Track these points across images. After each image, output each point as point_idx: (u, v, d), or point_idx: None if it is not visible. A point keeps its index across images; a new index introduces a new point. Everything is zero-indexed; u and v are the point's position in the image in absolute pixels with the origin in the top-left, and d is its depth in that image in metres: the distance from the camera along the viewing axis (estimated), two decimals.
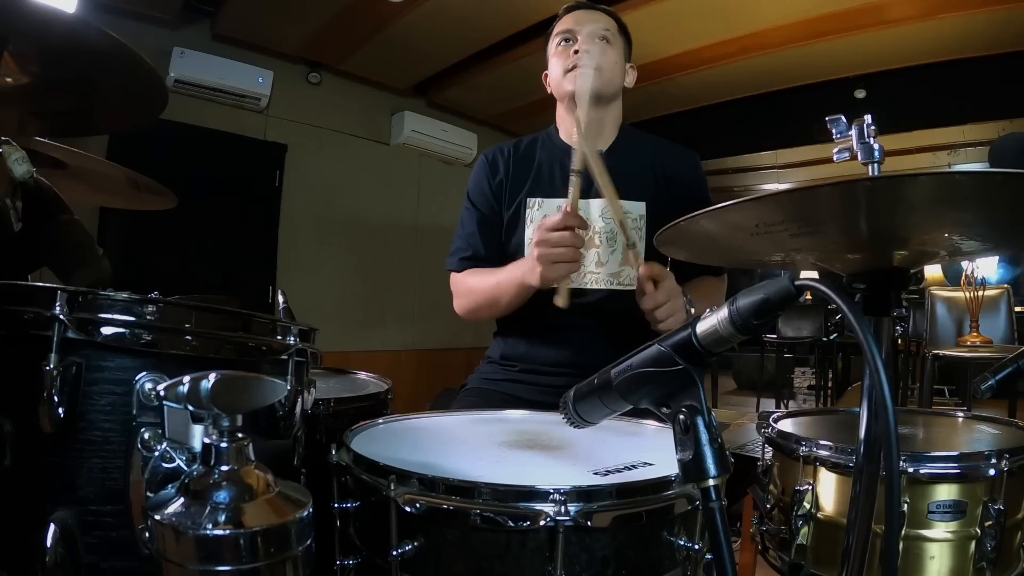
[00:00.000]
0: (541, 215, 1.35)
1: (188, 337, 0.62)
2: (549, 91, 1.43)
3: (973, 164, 5.20)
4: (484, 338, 1.51)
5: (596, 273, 1.32)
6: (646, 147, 1.41)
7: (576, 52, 1.31)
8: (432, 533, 0.62)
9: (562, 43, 1.36)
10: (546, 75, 1.43)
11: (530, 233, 1.35)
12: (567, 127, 1.41)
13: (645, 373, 0.58)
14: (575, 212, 1.12)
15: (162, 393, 0.56)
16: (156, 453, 0.58)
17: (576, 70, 1.30)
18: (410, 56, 4.00)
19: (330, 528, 0.72)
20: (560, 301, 1.14)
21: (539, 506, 0.59)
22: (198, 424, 0.56)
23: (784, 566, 0.92)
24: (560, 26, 1.38)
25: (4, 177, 0.84)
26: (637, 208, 1.34)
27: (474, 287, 1.38)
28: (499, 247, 1.41)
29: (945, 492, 0.82)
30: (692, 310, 1.14)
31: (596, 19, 1.36)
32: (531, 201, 1.37)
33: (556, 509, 0.58)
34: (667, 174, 1.37)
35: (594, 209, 1.34)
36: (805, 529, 0.89)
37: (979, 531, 0.81)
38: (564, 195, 1.35)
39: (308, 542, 0.56)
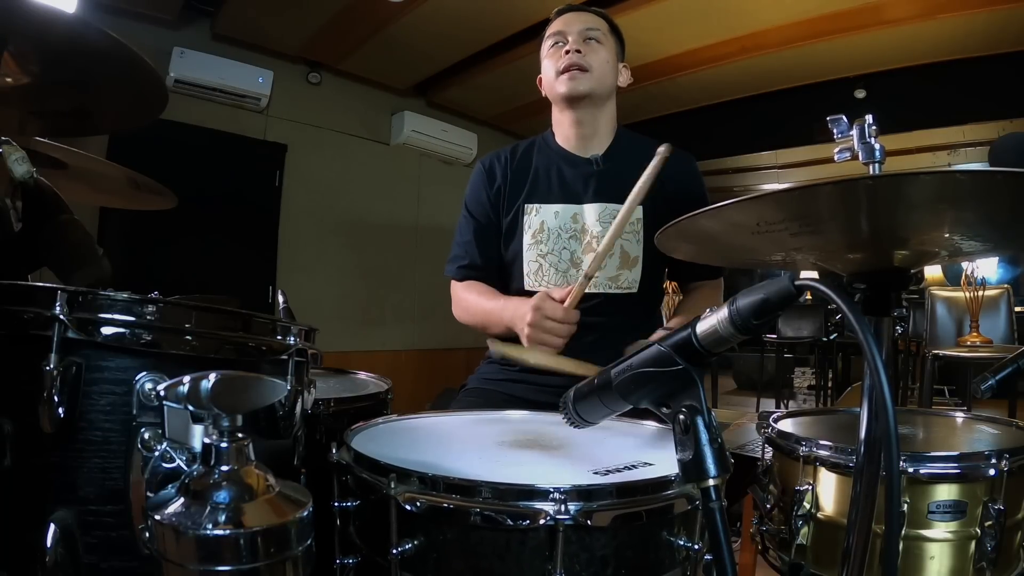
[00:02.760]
0: (539, 221, 1.36)
1: (188, 337, 0.62)
2: (544, 94, 1.44)
3: (973, 164, 5.21)
4: (484, 338, 1.51)
5: (594, 277, 1.33)
6: (642, 150, 1.40)
7: (567, 53, 1.32)
8: (432, 532, 0.62)
9: (553, 45, 1.37)
10: (540, 79, 1.43)
11: (528, 239, 1.36)
12: (563, 130, 1.42)
13: (645, 373, 0.58)
14: (573, 309, 1.16)
15: (162, 393, 0.56)
16: (156, 453, 0.58)
17: (569, 72, 1.31)
18: (410, 56, 4.00)
19: (330, 527, 0.72)
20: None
21: (539, 505, 0.59)
22: (198, 424, 0.56)
23: (784, 566, 0.92)
24: (551, 29, 1.40)
25: (4, 177, 0.84)
26: (635, 212, 1.34)
27: (469, 306, 1.41)
28: (497, 255, 1.42)
29: (945, 492, 0.82)
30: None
31: (586, 20, 1.37)
32: (528, 207, 1.38)
33: (556, 508, 0.58)
34: (663, 177, 1.37)
35: (590, 214, 1.35)
36: (805, 529, 0.89)
37: (979, 531, 0.81)
38: (560, 201, 1.36)
39: (308, 542, 0.56)
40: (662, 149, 1.15)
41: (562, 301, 1.18)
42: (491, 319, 1.34)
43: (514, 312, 1.24)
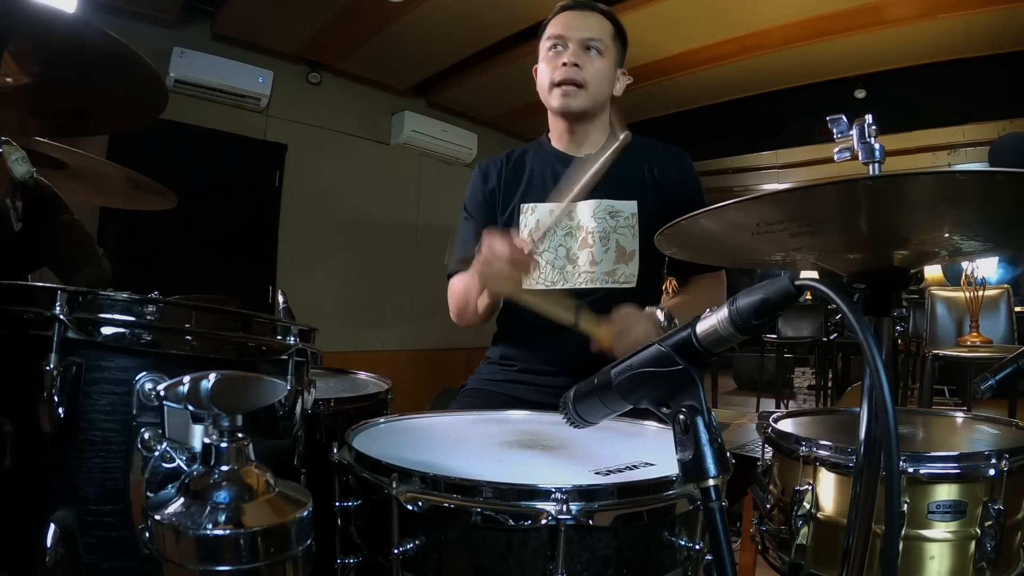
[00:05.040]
0: (535, 220, 1.37)
1: (188, 337, 0.62)
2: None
3: (973, 164, 5.21)
4: (484, 338, 1.51)
5: (590, 272, 1.33)
6: (636, 148, 1.40)
7: (564, 65, 1.30)
8: (434, 532, 0.62)
9: (552, 49, 1.34)
10: (536, 69, 1.40)
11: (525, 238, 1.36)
12: (557, 133, 1.43)
13: (645, 373, 0.58)
14: (524, 247, 1.13)
15: (162, 393, 0.56)
16: (156, 453, 0.58)
17: (563, 88, 1.30)
18: (410, 56, 4.00)
19: (330, 527, 0.72)
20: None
21: (541, 505, 0.59)
22: (198, 424, 0.56)
23: (784, 566, 0.92)
24: (552, 28, 1.36)
25: (4, 177, 0.84)
26: (629, 207, 1.34)
27: (455, 290, 1.42)
28: None
29: (945, 492, 0.82)
30: (669, 327, 1.15)
31: (589, 25, 1.33)
32: (524, 207, 1.39)
33: (558, 508, 0.58)
34: (657, 174, 1.37)
35: (584, 210, 1.35)
36: (805, 529, 0.89)
37: (979, 531, 0.81)
38: (556, 199, 1.36)
39: (308, 542, 0.56)
40: (623, 135, 1.15)
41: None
42: (469, 289, 1.33)
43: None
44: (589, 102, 1.32)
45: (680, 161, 1.42)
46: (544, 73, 1.36)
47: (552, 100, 1.33)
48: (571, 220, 1.36)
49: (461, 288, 1.39)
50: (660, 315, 1.18)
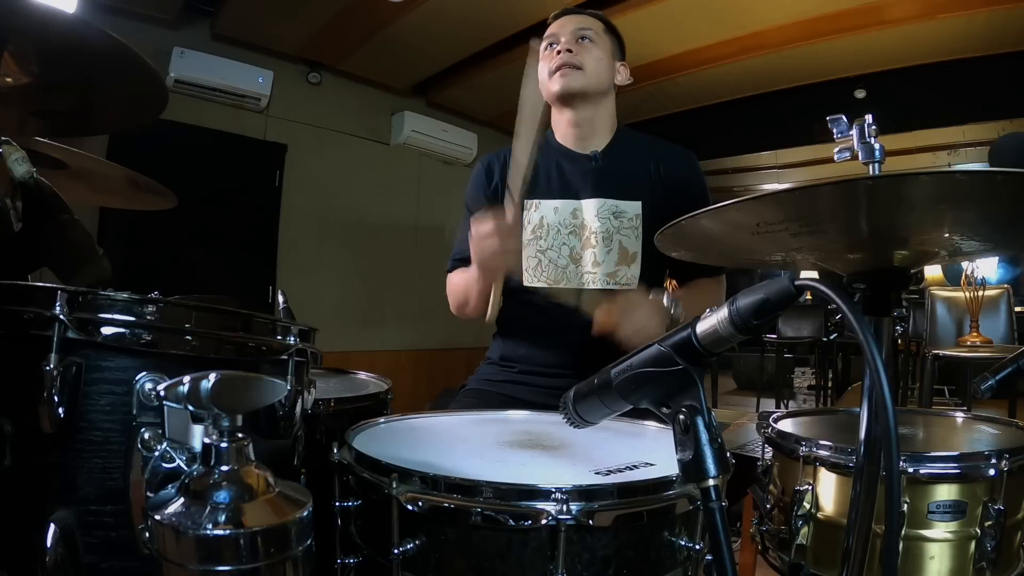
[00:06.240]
0: (538, 216, 1.37)
1: (188, 337, 0.62)
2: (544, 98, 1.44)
3: (973, 164, 5.21)
4: (484, 338, 1.51)
5: (593, 273, 1.33)
6: (642, 147, 1.41)
7: (559, 53, 1.33)
8: (434, 532, 0.62)
9: (547, 47, 1.39)
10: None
11: (528, 235, 1.37)
12: (561, 129, 1.43)
13: (645, 373, 0.58)
14: (505, 222, 1.14)
15: (162, 393, 0.56)
16: (156, 453, 0.58)
17: (560, 71, 1.32)
18: (410, 56, 4.01)
19: (330, 527, 0.72)
20: (488, 318, 1.27)
21: (541, 505, 0.59)
22: (198, 424, 0.56)
23: (784, 566, 0.92)
24: (546, 32, 1.41)
25: (4, 177, 0.84)
26: (633, 208, 1.34)
27: (455, 284, 1.43)
28: None
29: (945, 492, 0.82)
30: (675, 313, 1.15)
31: (579, 21, 1.38)
32: (528, 203, 1.38)
33: (558, 508, 0.58)
34: (663, 174, 1.37)
35: (589, 209, 1.35)
36: (805, 529, 0.89)
37: (979, 531, 0.81)
38: (559, 197, 1.37)
39: (308, 542, 0.56)
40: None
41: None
42: (468, 282, 1.33)
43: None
44: (588, 82, 1.33)
45: (687, 161, 1.42)
46: (542, 68, 1.38)
47: (552, 86, 1.34)
48: (575, 218, 1.36)
49: (461, 283, 1.39)
50: (665, 299, 1.18)
